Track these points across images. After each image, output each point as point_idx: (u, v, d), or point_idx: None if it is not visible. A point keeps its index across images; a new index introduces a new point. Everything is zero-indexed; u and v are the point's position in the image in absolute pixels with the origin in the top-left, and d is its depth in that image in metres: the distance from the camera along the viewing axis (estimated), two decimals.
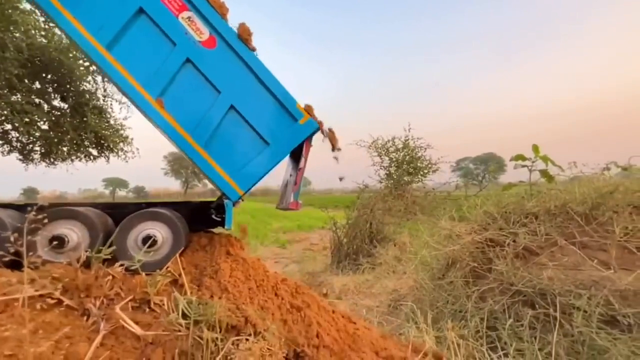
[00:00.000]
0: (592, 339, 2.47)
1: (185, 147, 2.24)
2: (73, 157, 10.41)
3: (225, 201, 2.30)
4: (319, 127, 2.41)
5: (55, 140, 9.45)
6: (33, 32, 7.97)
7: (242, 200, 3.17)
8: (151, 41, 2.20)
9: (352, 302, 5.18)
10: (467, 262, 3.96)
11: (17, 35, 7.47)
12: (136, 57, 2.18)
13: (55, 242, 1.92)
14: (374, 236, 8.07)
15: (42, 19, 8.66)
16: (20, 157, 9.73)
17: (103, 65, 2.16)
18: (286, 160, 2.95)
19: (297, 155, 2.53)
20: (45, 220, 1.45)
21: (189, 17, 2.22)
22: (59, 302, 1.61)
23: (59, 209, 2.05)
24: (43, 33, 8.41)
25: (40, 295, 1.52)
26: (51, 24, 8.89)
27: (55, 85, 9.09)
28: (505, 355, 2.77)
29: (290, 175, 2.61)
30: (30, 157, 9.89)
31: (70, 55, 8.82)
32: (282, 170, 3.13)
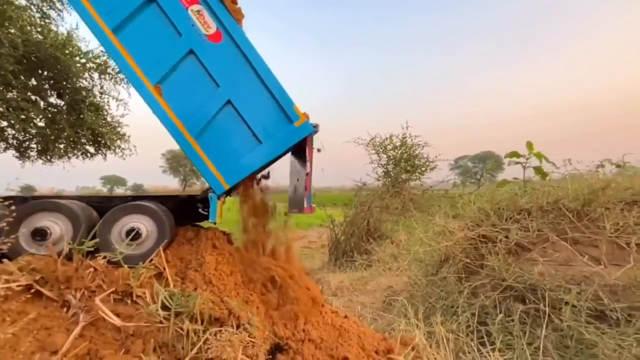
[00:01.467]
0: (580, 334, 2.47)
1: (177, 136, 2.27)
2: (70, 155, 10.38)
3: (210, 194, 2.29)
4: (314, 130, 2.41)
5: (52, 137, 9.42)
6: (29, 28, 7.92)
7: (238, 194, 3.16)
8: (158, 30, 2.26)
9: (348, 299, 5.18)
10: (460, 259, 3.96)
11: (12, 31, 7.42)
12: (141, 43, 2.24)
13: (37, 235, 1.92)
14: (371, 234, 8.08)
15: (37, 14, 8.63)
16: (17, 154, 9.71)
17: (107, 48, 2.23)
18: (288, 162, 2.97)
19: (301, 157, 2.53)
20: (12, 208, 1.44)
21: (198, 11, 2.26)
22: (39, 293, 1.60)
23: (42, 201, 2.03)
24: (39, 29, 8.36)
25: (19, 287, 1.51)
26: (47, 20, 8.86)
27: (52, 82, 9.05)
28: (495, 350, 2.77)
29: (298, 180, 2.60)
30: (27, 155, 9.88)
31: (67, 51, 8.79)
32: (280, 170, 3.09)
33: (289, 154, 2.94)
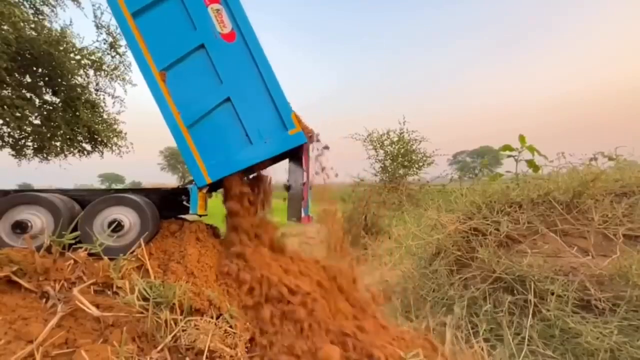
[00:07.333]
0: (566, 323, 2.48)
1: (170, 123, 2.31)
2: (66, 152, 10.36)
3: (190, 186, 2.30)
4: (306, 142, 2.43)
5: (48, 135, 9.41)
6: (22, 24, 7.86)
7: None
8: (174, 20, 2.33)
9: None
10: (452, 251, 3.97)
11: (5, 27, 7.38)
12: (155, 30, 2.32)
13: (17, 228, 1.92)
14: (368, 229, 8.11)
15: (30, 10, 8.57)
16: (13, 152, 9.70)
17: (123, 29, 2.31)
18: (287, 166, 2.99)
19: (298, 162, 2.53)
20: None
21: (217, 9, 2.34)
22: (17, 285, 1.61)
23: (22, 195, 2.03)
24: (32, 25, 8.30)
25: None
26: (40, 16, 8.81)
27: (46, 79, 9.01)
28: (485, 340, 2.79)
29: (295, 189, 2.62)
30: (23, 153, 9.86)
31: (61, 48, 8.74)
32: (280, 170, 3.09)
33: (287, 161, 2.95)
